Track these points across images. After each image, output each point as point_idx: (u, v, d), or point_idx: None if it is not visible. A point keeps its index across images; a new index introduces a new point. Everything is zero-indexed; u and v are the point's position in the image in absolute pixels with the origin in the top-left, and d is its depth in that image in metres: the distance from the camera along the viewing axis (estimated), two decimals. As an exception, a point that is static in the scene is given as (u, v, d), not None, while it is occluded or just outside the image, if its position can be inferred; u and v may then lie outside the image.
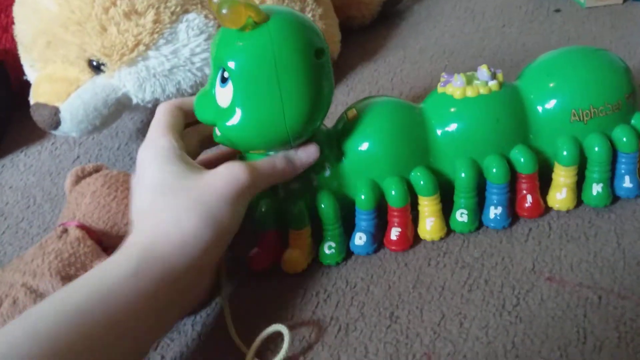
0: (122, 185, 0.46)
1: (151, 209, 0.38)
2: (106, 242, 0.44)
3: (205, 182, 0.38)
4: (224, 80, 0.40)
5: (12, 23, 0.68)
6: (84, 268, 0.41)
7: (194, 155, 0.45)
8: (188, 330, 0.43)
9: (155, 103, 0.59)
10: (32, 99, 0.55)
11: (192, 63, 0.57)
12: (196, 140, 0.46)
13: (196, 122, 0.44)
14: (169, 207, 0.37)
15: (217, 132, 0.42)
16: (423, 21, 0.87)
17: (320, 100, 0.41)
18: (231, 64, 0.39)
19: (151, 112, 0.71)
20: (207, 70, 0.59)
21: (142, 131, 0.69)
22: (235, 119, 0.40)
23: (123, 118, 0.69)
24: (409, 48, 0.80)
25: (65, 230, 0.44)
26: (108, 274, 0.35)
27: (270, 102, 0.39)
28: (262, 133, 0.40)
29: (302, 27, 0.39)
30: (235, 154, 0.46)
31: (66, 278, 0.40)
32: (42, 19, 0.54)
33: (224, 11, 0.36)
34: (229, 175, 0.38)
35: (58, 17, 0.54)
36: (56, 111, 0.54)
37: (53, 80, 0.55)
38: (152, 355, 0.41)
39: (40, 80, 0.56)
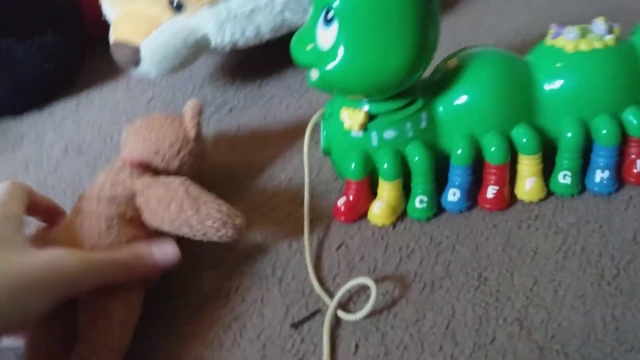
0: (159, 121, 0.46)
1: None
2: (153, 167, 0.45)
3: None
4: (327, 21, 0.38)
5: (89, -40, 0.67)
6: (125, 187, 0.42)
7: None
8: (268, 274, 0.43)
9: (233, 47, 0.58)
10: (112, 37, 0.55)
11: (273, 6, 0.55)
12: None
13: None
14: None
15: (314, 75, 0.40)
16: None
17: (427, 47, 0.39)
18: (337, 4, 0.37)
19: (226, 56, 0.70)
20: (288, 14, 0.57)
21: (215, 75, 0.68)
22: (337, 61, 0.38)
23: (196, 62, 0.68)
24: (493, 1, 0.75)
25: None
26: None
27: (376, 45, 0.37)
28: (364, 77, 0.39)
29: (414, -31, 0.37)
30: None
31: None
32: (126, -46, 0.53)
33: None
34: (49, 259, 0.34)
35: (142, -48, 0.52)
36: (136, 50, 0.53)
37: (134, 18, 0.54)
38: (232, 296, 0.41)
39: (120, 18, 0.55)
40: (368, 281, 0.39)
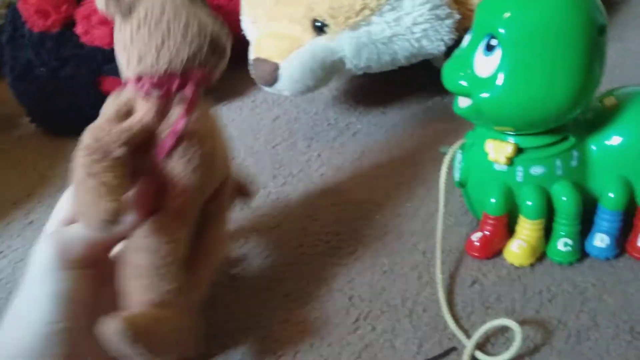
0: None
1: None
2: None
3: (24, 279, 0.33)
4: (490, 48, 0.37)
5: (228, -20, 0.70)
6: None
7: None
8: (397, 304, 0.41)
9: (366, 70, 0.58)
10: (253, 54, 0.56)
11: (412, 33, 0.55)
12: None
13: None
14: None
15: (462, 103, 0.40)
16: (643, 13, 0.78)
17: (592, 82, 0.37)
18: (504, 31, 0.36)
19: (349, 80, 0.71)
20: (425, 42, 0.56)
21: (338, 99, 0.68)
22: (495, 90, 0.37)
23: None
24: (629, 41, 0.72)
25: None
26: None
27: (540, 76, 0.36)
28: (524, 108, 0.37)
29: (588, 0, 0.35)
30: None
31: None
32: (275, -24, 0.55)
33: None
34: (33, 262, 0.33)
35: (291, -26, 0.54)
36: (276, 67, 0.54)
37: (276, 37, 0.55)
38: (362, 324, 0.40)
39: (263, 36, 0.56)
40: (511, 323, 0.37)
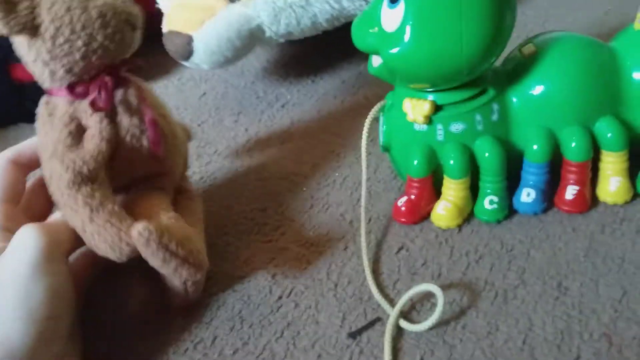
0: None
1: None
2: None
3: (2, 271, 0.31)
4: (394, 1, 0.34)
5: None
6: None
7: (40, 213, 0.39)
8: (322, 278, 0.40)
9: (288, 37, 0.55)
10: (165, 27, 0.53)
11: (331, -6, 0.52)
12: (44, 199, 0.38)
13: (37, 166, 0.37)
14: None
15: (375, 61, 0.37)
16: (577, -38, 0.76)
17: (503, 30, 0.35)
18: (404, -20, 0.33)
19: (279, 50, 0.68)
20: (345, 3, 0.54)
21: (267, 70, 0.66)
22: (403, 45, 0.35)
23: (248, 57, 0.66)
24: (562, -9, 0.70)
25: None
26: None
27: (447, 26, 0.34)
28: (433, 62, 0.35)
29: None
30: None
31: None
32: (180, -60, 0.51)
33: None
34: (21, 248, 0.31)
35: (196, -62, 0.50)
36: (190, 40, 0.51)
37: (188, 8, 0.52)
38: (285, 301, 0.38)
39: (174, 8, 0.53)
40: (434, 288, 0.35)
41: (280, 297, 0.39)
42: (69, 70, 0.34)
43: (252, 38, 0.53)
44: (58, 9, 0.33)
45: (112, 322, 0.38)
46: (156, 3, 0.58)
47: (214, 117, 0.59)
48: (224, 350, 0.36)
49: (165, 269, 0.34)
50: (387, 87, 0.58)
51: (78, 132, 0.35)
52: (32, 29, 0.33)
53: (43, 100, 0.37)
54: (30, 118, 0.62)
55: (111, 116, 0.36)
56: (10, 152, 0.37)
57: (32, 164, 0.38)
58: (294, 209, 0.46)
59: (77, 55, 0.34)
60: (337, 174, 0.49)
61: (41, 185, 0.37)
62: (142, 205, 0.38)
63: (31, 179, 0.39)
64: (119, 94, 0.37)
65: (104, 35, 0.34)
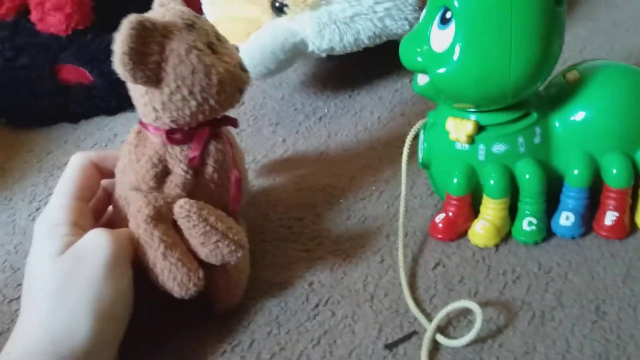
0: None
1: (31, 312, 0.33)
2: None
3: (72, 264, 0.33)
4: (444, 21, 0.35)
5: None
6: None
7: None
8: (359, 289, 0.40)
9: (330, 52, 0.57)
10: (212, 36, 0.54)
11: (375, 12, 0.54)
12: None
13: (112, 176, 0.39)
14: (44, 315, 0.32)
15: (421, 80, 0.38)
16: (615, -8, 0.77)
17: (550, 54, 0.36)
18: (458, 2, 0.34)
19: (317, 65, 0.69)
20: (388, 22, 0.55)
21: (305, 83, 0.67)
22: (451, 65, 0.35)
23: (287, 70, 0.68)
24: (600, 20, 0.71)
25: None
26: None
27: (497, 48, 0.34)
28: (480, 82, 0.36)
29: (543, -32, 0.34)
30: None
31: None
32: (233, -46, 0.53)
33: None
34: (94, 249, 0.33)
35: (248, -47, 0.52)
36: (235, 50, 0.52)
37: (234, 19, 0.54)
38: (321, 310, 0.39)
39: (221, 18, 0.55)
40: (472, 305, 0.35)
41: (317, 305, 0.39)
42: (174, 121, 0.36)
43: (295, 52, 0.55)
44: (183, 69, 0.34)
45: (152, 324, 0.39)
46: (202, 13, 0.60)
47: (252, 127, 0.60)
48: (261, 354, 0.37)
49: (207, 245, 0.35)
50: (424, 105, 0.59)
51: (162, 175, 0.37)
52: (154, 82, 0.34)
53: (135, 128, 0.38)
54: (74, 119, 0.65)
55: (197, 169, 0.37)
56: (94, 155, 0.39)
57: (109, 173, 0.39)
58: (331, 220, 0.47)
59: (187, 112, 0.35)
60: (373, 188, 0.49)
61: (107, 195, 0.40)
62: None
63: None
64: (211, 148, 0.38)
65: (217, 100, 0.36)
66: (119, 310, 0.34)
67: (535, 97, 0.40)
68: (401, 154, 0.46)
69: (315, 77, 0.68)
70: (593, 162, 0.39)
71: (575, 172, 0.39)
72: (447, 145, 0.41)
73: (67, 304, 0.32)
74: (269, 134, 0.59)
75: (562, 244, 0.41)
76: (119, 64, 0.33)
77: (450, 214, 0.42)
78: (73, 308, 0.32)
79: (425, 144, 0.44)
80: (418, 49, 0.38)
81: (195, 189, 0.37)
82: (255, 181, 0.52)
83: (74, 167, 0.38)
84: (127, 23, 0.32)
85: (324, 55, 0.56)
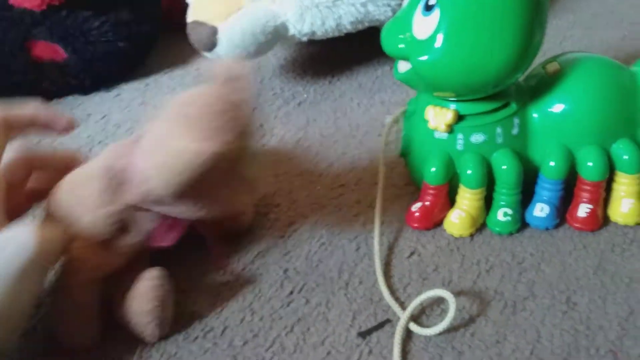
0: None
1: None
2: None
3: None
4: (428, 8, 0.35)
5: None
6: None
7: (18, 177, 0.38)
8: (334, 276, 0.40)
9: (310, 37, 0.56)
10: (191, 17, 0.53)
11: (357, -3, 0.53)
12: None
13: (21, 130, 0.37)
14: None
15: (402, 67, 0.38)
16: (596, -15, 0.78)
17: (532, 45, 0.36)
18: (442, -10, 0.34)
19: (296, 49, 0.68)
20: (371, 7, 0.54)
21: (285, 68, 0.66)
22: (434, 53, 0.35)
23: (266, 53, 0.67)
24: (580, 12, 0.72)
25: None
26: None
27: (480, 38, 0.34)
28: (461, 71, 0.36)
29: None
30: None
31: None
32: None
33: None
34: (16, 250, 0.31)
35: None
36: (214, 31, 0.52)
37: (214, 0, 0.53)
38: (296, 297, 0.39)
39: (200, -2, 0.54)
40: (446, 294, 0.36)
41: (291, 292, 0.39)
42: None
43: (275, 35, 0.54)
44: None
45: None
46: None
47: (230, 110, 0.59)
48: (233, 340, 0.36)
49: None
50: (404, 93, 0.59)
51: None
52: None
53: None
54: (46, 97, 0.63)
55: None
56: (29, 152, 0.38)
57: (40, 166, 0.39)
58: (308, 207, 0.46)
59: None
60: (350, 175, 0.49)
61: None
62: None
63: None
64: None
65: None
66: (18, 309, 0.32)
67: (514, 87, 0.40)
68: (379, 141, 0.46)
69: (295, 61, 0.67)
70: (569, 154, 0.39)
71: (552, 164, 0.40)
72: (426, 134, 0.41)
73: None
74: (247, 118, 0.58)
75: (536, 235, 0.41)
76: None
77: (427, 203, 0.42)
78: None
79: (404, 132, 0.44)
80: (400, 36, 0.37)
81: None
82: (231, 165, 0.51)
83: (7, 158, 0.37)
84: None
85: (304, 39, 0.56)
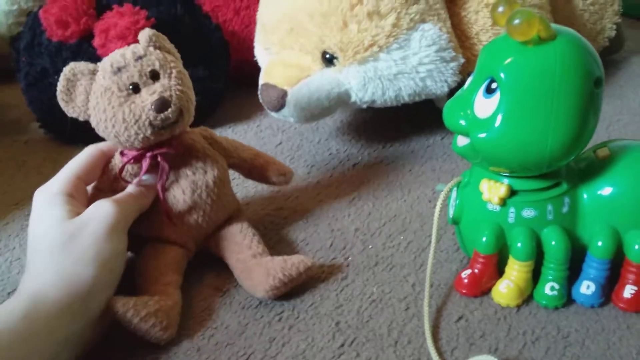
0: None
1: (41, 261, 0.39)
2: None
3: (79, 226, 0.39)
4: (490, 91, 0.38)
5: (244, 8, 0.73)
6: None
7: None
8: (384, 333, 0.42)
9: (370, 105, 0.60)
10: (263, 79, 0.58)
11: (417, 72, 0.57)
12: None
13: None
14: (55, 261, 0.38)
15: (461, 141, 0.41)
16: (644, 74, 0.81)
17: (586, 131, 0.38)
18: (504, 76, 0.37)
19: (354, 113, 0.73)
20: (429, 82, 0.58)
21: (341, 130, 0.70)
22: (493, 131, 0.38)
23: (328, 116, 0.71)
24: (627, 99, 0.74)
25: None
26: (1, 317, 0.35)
27: (537, 121, 0.37)
28: (518, 151, 0.38)
29: (587, 52, 0.37)
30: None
31: None
32: (291, 6, 0.57)
33: (517, 21, 0.35)
34: (99, 215, 0.40)
35: (306, 6, 0.56)
36: (284, 94, 0.56)
37: (286, 65, 0.57)
38: (346, 349, 0.41)
39: (274, 63, 0.58)
40: (493, 360, 0.37)
41: (342, 345, 0.41)
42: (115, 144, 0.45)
43: (338, 101, 0.58)
44: (98, 108, 0.43)
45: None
46: (252, 55, 0.64)
47: (289, 166, 0.63)
48: (286, 385, 0.38)
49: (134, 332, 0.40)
50: (454, 163, 0.61)
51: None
52: (86, 117, 0.44)
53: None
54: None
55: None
56: (105, 146, 0.46)
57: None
58: (360, 264, 0.49)
59: (115, 141, 0.44)
60: (402, 238, 0.52)
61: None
62: (155, 258, 0.45)
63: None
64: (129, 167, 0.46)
65: (128, 135, 0.42)
66: (115, 264, 0.41)
67: (566, 168, 0.43)
68: (429, 207, 0.48)
69: (351, 125, 0.71)
70: (617, 235, 0.41)
71: (599, 243, 0.41)
72: (479, 205, 0.44)
73: (74, 255, 0.38)
74: (304, 174, 0.62)
75: (581, 311, 0.43)
76: (58, 100, 0.43)
77: (476, 270, 0.44)
78: (80, 258, 0.38)
79: (457, 201, 0.46)
80: (462, 113, 0.40)
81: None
82: (288, 219, 0.55)
83: (83, 152, 0.45)
84: (64, 69, 0.43)
85: (364, 106, 0.60)
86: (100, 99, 0.42)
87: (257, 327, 0.43)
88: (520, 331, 0.42)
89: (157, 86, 0.43)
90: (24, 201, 0.58)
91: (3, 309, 0.36)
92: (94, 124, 0.43)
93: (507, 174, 0.42)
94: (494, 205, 0.43)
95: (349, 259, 0.49)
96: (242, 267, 0.46)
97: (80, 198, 0.43)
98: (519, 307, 0.43)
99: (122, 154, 0.46)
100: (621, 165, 0.42)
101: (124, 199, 0.43)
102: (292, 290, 0.46)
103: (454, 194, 0.47)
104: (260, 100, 0.58)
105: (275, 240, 0.52)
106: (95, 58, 0.66)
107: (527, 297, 0.44)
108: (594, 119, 0.39)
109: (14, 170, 0.65)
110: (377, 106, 0.60)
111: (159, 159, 0.45)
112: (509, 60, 0.37)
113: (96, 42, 0.66)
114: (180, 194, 0.46)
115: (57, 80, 0.43)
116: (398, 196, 0.58)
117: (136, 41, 0.45)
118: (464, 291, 0.45)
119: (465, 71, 0.59)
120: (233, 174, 0.52)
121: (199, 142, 0.48)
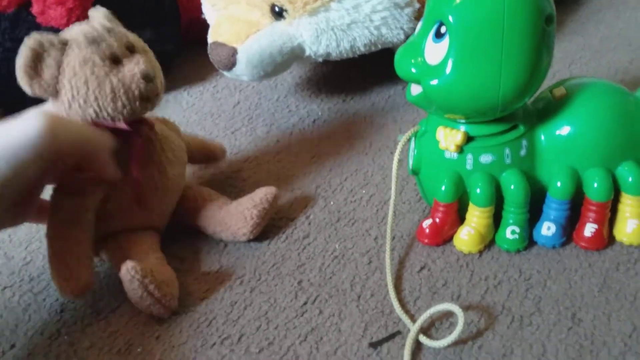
0: None
1: None
2: None
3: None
4: (439, 35, 0.37)
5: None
6: None
7: None
8: (347, 289, 0.42)
9: (325, 58, 0.58)
10: (211, 37, 0.56)
11: (371, 20, 0.55)
12: None
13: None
14: None
15: (415, 90, 0.40)
16: (604, 9, 0.80)
17: (539, 71, 0.37)
18: (453, 18, 0.36)
19: (311, 68, 0.71)
20: (384, 31, 0.56)
21: (300, 86, 0.68)
22: (444, 78, 0.37)
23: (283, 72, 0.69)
24: (589, 36, 0.73)
25: None
26: None
27: (488, 64, 0.36)
28: (470, 96, 0.37)
29: (536, -11, 0.36)
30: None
31: None
32: (235, -42, 0.54)
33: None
34: (22, 131, 0.34)
35: (250, -43, 0.53)
36: (234, 52, 0.54)
37: (234, 21, 0.55)
38: (309, 307, 0.40)
39: (221, 20, 0.56)
40: (455, 308, 0.37)
41: (305, 303, 0.41)
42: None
43: (292, 55, 0.56)
44: (77, 81, 0.38)
45: (144, 316, 0.40)
46: (202, 13, 0.61)
47: (247, 127, 0.61)
48: (249, 348, 0.38)
49: (139, 304, 0.39)
50: (415, 113, 0.60)
51: None
52: (53, 93, 0.39)
53: None
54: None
55: None
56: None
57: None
58: (322, 221, 0.48)
59: (89, 118, 0.40)
60: (363, 192, 0.51)
61: None
62: (134, 244, 0.43)
63: None
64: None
65: (114, 107, 0.40)
66: (9, 191, 0.35)
67: (522, 110, 0.42)
68: (392, 159, 0.47)
69: (310, 80, 0.69)
70: (575, 175, 0.41)
71: (558, 184, 0.41)
72: (437, 153, 0.43)
73: None
74: (263, 134, 0.60)
75: (543, 253, 0.43)
76: (18, 78, 0.38)
77: (437, 219, 0.44)
78: None
79: (415, 151, 0.45)
80: (412, 60, 0.39)
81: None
82: (248, 180, 0.53)
83: (107, 138, 0.40)
84: (26, 41, 0.37)
85: (320, 60, 0.58)
86: (79, 70, 0.38)
87: (218, 293, 0.42)
88: (482, 277, 0.42)
89: (138, 57, 0.40)
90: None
91: None
92: (65, 99, 0.39)
93: (463, 121, 0.41)
94: (451, 153, 0.42)
95: (311, 216, 0.48)
96: (214, 222, 0.46)
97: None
98: (481, 253, 0.43)
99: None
100: (577, 104, 0.41)
101: (73, 123, 0.38)
102: (252, 253, 0.45)
103: (412, 144, 0.46)
104: (211, 60, 0.56)
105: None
106: (35, 26, 0.63)
107: (489, 243, 0.44)
108: (547, 58, 0.38)
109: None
110: (334, 59, 0.58)
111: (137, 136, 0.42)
112: (456, 1, 0.36)
113: (35, 9, 0.62)
114: (149, 178, 0.44)
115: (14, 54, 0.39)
116: (360, 150, 0.57)
117: (77, 6, 0.42)
118: (426, 241, 0.44)
119: (421, 16, 0.57)
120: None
121: (157, 124, 0.46)
